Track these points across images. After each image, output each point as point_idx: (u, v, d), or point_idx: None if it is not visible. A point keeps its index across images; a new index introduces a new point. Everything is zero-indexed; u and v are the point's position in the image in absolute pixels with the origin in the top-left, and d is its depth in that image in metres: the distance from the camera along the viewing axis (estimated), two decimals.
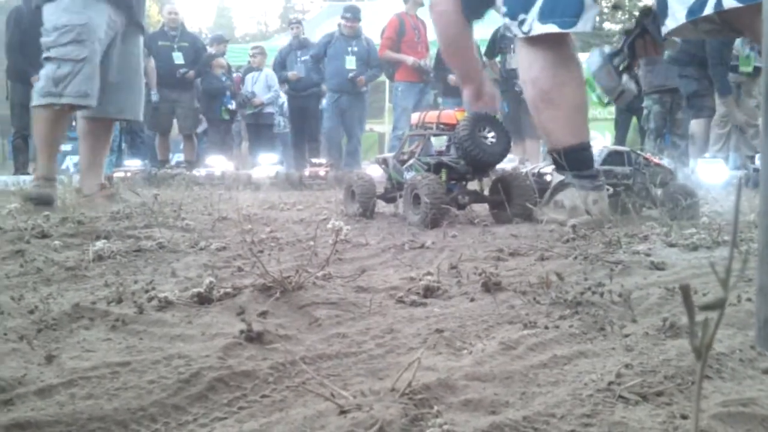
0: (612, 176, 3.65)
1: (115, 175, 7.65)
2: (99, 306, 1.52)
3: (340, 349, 1.27)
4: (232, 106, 10.09)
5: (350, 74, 9.18)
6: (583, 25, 3.17)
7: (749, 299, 1.51)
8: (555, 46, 3.31)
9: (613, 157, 3.75)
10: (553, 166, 3.64)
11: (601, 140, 11.41)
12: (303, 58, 9.91)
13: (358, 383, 1.09)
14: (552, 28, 3.19)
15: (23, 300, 1.58)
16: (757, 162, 6.71)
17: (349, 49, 9.22)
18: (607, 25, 24.13)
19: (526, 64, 3.42)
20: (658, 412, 0.93)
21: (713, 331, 0.45)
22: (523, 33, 3.28)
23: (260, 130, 10.36)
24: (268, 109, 10.35)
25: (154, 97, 8.86)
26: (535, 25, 3.23)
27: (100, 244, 2.31)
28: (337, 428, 0.87)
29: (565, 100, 3.34)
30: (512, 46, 8.22)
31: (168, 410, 0.97)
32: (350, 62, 9.24)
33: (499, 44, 8.64)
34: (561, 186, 3.45)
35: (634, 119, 9.44)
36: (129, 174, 7.73)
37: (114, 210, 3.64)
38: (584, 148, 3.43)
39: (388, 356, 1.25)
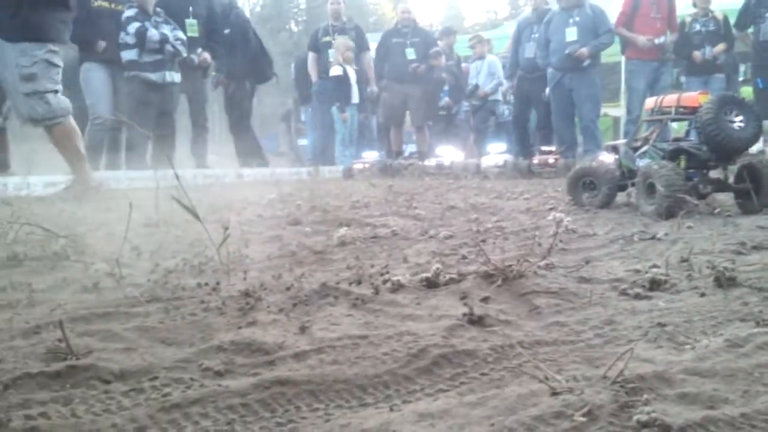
0: None
1: (355, 166, 8.28)
2: (342, 286, 1.73)
3: (557, 336, 1.33)
4: (443, 102, 10.29)
5: (567, 49, 8.02)
6: None
7: None
8: None
9: None
10: None
11: None
12: (536, 34, 8.73)
13: (572, 369, 1.13)
14: None
15: (281, 279, 1.84)
16: None
17: (570, 20, 8.15)
18: None
19: None
20: None
21: None
22: None
23: (486, 119, 10.46)
24: (493, 97, 10.35)
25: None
26: None
27: (342, 231, 2.58)
28: (548, 407, 0.94)
29: None
30: (767, 14, 7.38)
31: (399, 379, 1.11)
32: (571, 34, 8.11)
33: (752, 13, 7.78)
34: None
35: None
36: (366, 165, 8.30)
37: (354, 200, 3.99)
38: None
39: (606, 346, 1.27)
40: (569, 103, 8.29)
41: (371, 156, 9.41)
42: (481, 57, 10.40)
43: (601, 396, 0.96)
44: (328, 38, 9.45)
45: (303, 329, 1.36)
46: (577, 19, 8.14)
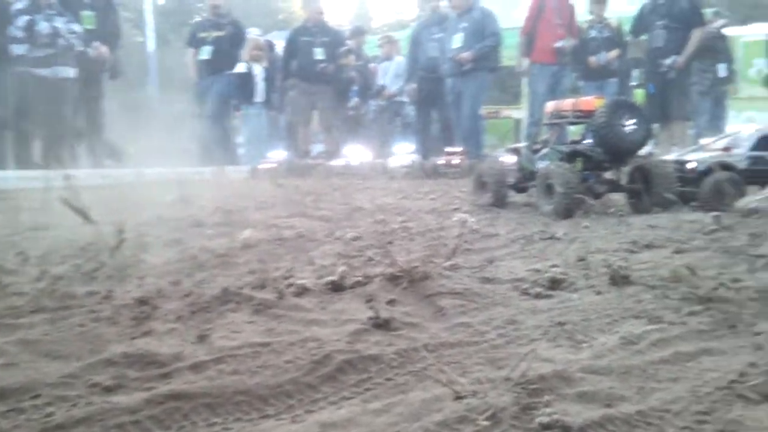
0: (763, 163, 3.40)
1: (261, 166, 8.13)
2: (244, 291, 1.67)
3: (462, 337, 1.33)
4: (352, 102, 10.30)
5: (450, 54, 8.16)
6: None
7: None
8: None
9: (765, 142, 3.49)
10: (703, 154, 3.44)
11: (759, 121, 10.53)
12: (437, 36, 8.88)
13: (476, 371, 1.14)
14: None
15: (180, 284, 1.77)
16: None
17: (460, 26, 8.27)
18: None
19: None
20: None
21: None
22: None
23: (392, 120, 10.53)
24: (399, 98, 10.41)
25: None
26: None
27: (246, 232, 2.51)
28: (452, 412, 0.94)
29: None
30: (659, 23, 7.80)
31: (302, 388, 1.08)
32: (457, 40, 8.23)
33: (645, 22, 8.20)
34: None
35: None
36: (273, 165, 8.17)
37: (260, 200, 3.90)
38: None
39: (509, 347, 1.29)
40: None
41: (278, 155, 9.27)
42: (389, 58, 10.46)
43: (504, 398, 0.96)
44: (204, 34, 8.94)
45: (202, 338, 1.30)
46: (465, 24, 8.30)
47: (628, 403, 0.99)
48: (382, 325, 1.38)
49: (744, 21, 11.59)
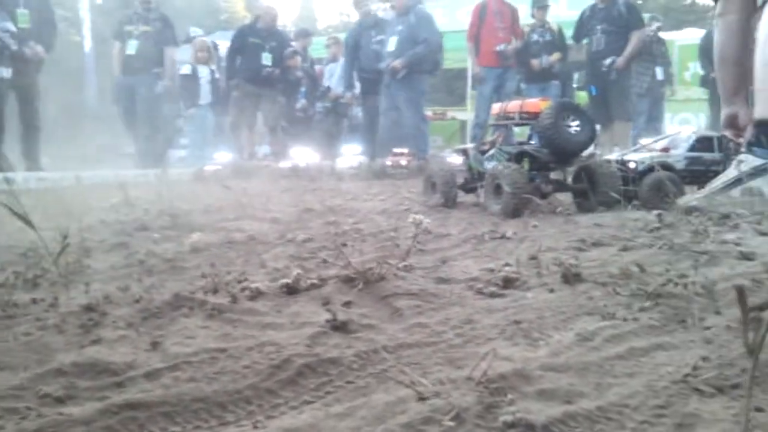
0: (699, 163, 3.53)
1: (207, 168, 7.99)
2: (196, 296, 1.63)
3: (420, 338, 1.33)
4: (300, 104, 10.24)
5: (383, 63, 8.33)
6: None
7: None
8: None
9: (702, 143, 3.62)
10: (643, 154, 3.53)
11: (695, 122, 10.94)
12: (377, 38, 8.89)
13: (437, 371, 1.14)
14: None
15: (129, 290, 1.71)
16: None
17: (396, 29, 8.37)
18: (700, 1, 23.01)
19: None
20: (732, 405, 0.94)
21: (764, 332, 0.48)
22: None
23: (339, 121, 10.51)
24: (345, 100, 10.39)
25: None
26: None
27: (195, 236, 2.45)
28: (416, 414, 0.93)
29: None
30: (598, 27, 8.01)
31: (261, 393, 1.06)
32: (391, 44, 8.35)
33: (586, 27, 8.42)
34: (758, 171, 3.06)
35: None
36: (219, 167, 8.04)
37: (206, 203, 3.83)
38: None
39: (467, 346, 1.29)
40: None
41: (224, 157, 9.13)
42: (335, 59, 10.44)
43: (467, 398, 0.96)
44: (131, 27, 8.52)
45: (155, 345, 1.26)
46: (401, 27, 8.33)
47: (587, 399, 1.00)
48: (339, 327, 1.36)
49: (679, 26, 12.04)
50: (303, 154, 8.95)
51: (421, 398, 0.98)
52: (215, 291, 1.70)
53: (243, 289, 1.69)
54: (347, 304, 1.58)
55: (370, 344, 1.27)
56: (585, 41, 8.46)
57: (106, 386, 1.07)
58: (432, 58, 8.45)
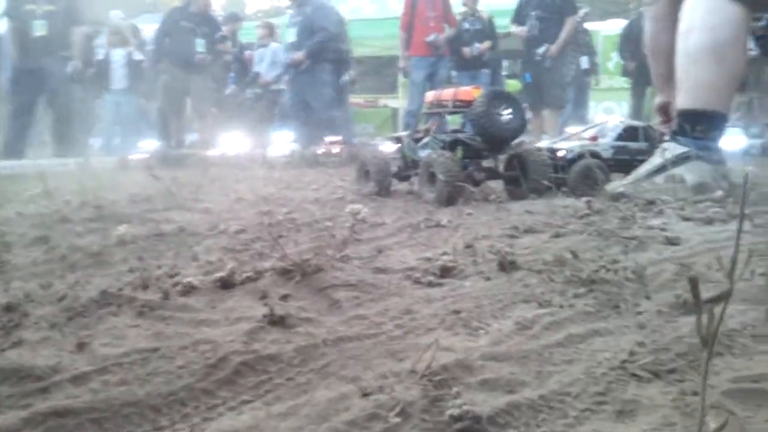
0: (626, 152, 3.64)
1: (133, 156, 7.72)
2: (125, 292, 1.56)
3: (360, 330, 1.31)
4: (230, 89, 10.03)
5: (286, 56, 8.59)
6: None
7: (763, 274, 1.52)
8: (748, 10, 3.06)
9: (628, 132, 3.73)
10: (572, 142, 3.61)
11: (618, 110, 11.31)
12: (295, 19, 8.74)
13: (379, 365, 1.12)
14: None
15: (51, 287, 1.63)
16: None
17: (295, 20, 8.52)
18: None
19: (707, 10, 3.07)
20: (669, 390, 0.96)
21: (718, 323, 0.48)
22: None
23: (269, 108, 10.33)
24: (276, 86, 10.23)
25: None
26: None
27: (121, 228, 2.35)
28: (361, 410, 0.91)
29: (734, 62, 3.08)
30: (533, 13, 8.14)
31: (197, 394, 1.02)
32: (291, 35, 8.53)
33: (522, 12, 8.53)
34: (681, 159, 3.14)
35: (650, 89, 9.33)
36: (145, 155, 7.79)
37: (132, 192, 3.69)
38: (724, 120, 3.20)
39: (407, 337, 1.28)
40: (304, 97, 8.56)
41: (150, 145, 8.84)
42: (266, 44, 10.23)
43: (412, 392, 0.95)
44: (32, 6, 7.70)
45: (81, 346, 1.19)
46: (299, 18, 8.38)
47: (529, 388, 1.00)
48: (277, 321, 1.33)
49: (603, 17, 12.39)
50: (233, 142, 8.77)
51: (365, 394, 0.96)
52: (145, 287, 1.63)
53: (175, 284, 1.62)
54: (285, 297, 1.54)
55: (310, 338, 1.24)
56: (525, 27, 8.58)
57: (30, 392, 1.01)
58: (333, 47, 8.43)
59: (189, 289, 1.59)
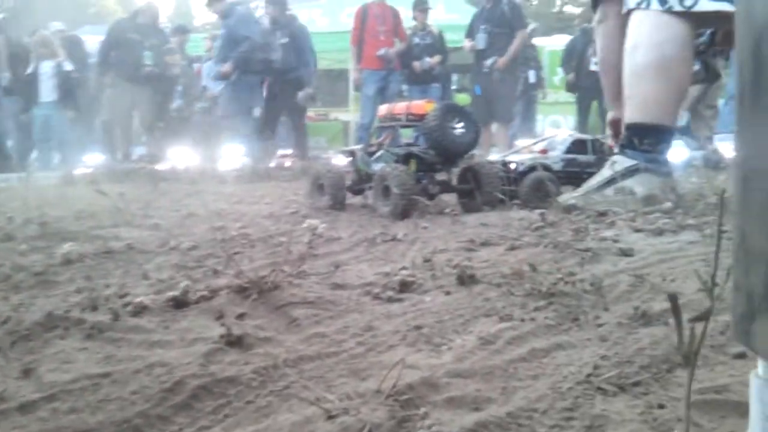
0: (575, 165, 3.70)
1: (76, 171, 7.49)
2: (72, 314, 1.49)
3: (320, 349, 1.28)
4: (177, 103, 9.88)
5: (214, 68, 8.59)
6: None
7: (716, 284, 1.54)
8: (693, 26, 3.13)
9: (577, 146, 3.80)
10: (523, 155, 3.65)
11: (564, 124, 11.56)
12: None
13: (341, 384, 1.09)
14: (724, 6, 2.95)
15: None
16: (716, 143, 6.86)
17: (221, 32, 8.62)
18: (567, 9, 24.39)
19: (653, 26, 3.13)
20: (636, 403, 0.96)
21: (700, 341, 0.48)
22: (684, 7, 3.04)
23: (217, 122, 10.19)
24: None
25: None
26: (702, 1, 3.01)
27: (67, 246, 2.26)
28: None
29: (680, 77, 3.16)
30: (482, 27, 8.26)
31: (153, 421, 0.97)
32: (216, 48, 8.73)
33: (473, 26, 8.63)
34: (629, 172, 3.20)
35: (595, 103, 9.57)
36: (89, 170, 7.57)
37: (78, 209, 3.57)
38: (671, 133, 3.27)
39: (369, 355, 1.26)
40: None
41: (95, 159, 8.61)
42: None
43: (378, 413, 0.93)
44: None
45: (27, 372, 1.13)
46: (223, 31, 8.39)
47: (495, 404, 0.99)
48: (235, 342, 1.28)
49: (548, 32, 12.69)
50: (182, 156, 8.61)
51: (330, 416, 0.93)
52: (94, 308, 1.56)
53: (125, 305, 1.56)
54: (241, 316, 1.50)
55: (269, 359, 1.20)
56: (464, 43, 8.70)
57: None
58: (260, 57, 8.40)
59: (140, 310, 1.53)
